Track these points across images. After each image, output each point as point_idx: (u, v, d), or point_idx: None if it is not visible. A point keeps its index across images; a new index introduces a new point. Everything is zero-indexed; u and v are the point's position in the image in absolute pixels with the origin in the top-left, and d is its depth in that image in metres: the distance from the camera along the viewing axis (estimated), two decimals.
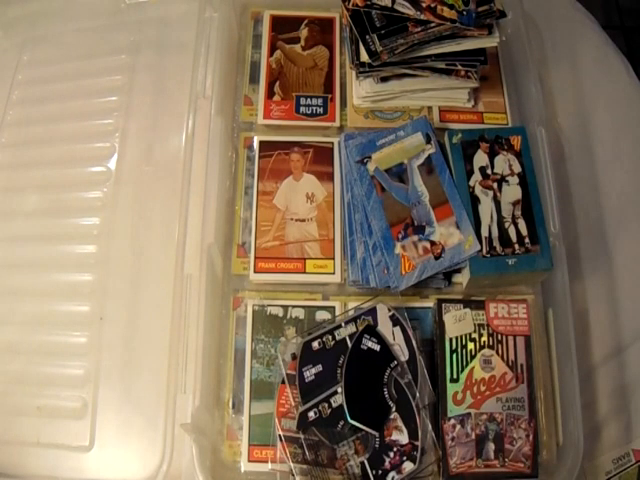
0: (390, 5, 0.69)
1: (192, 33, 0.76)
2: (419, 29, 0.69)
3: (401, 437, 0.60)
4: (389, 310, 0.65)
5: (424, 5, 0.69)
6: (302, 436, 0.59)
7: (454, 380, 0.63)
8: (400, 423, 0.60)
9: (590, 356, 0.71)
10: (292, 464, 0.59)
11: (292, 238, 0.71)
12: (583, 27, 0.90)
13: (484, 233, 0.68)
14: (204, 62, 0.74)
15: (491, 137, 0.72)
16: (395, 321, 0.64)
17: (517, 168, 0.71)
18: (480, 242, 0.67)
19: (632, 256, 0.76)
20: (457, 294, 0.70)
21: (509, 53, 0.82)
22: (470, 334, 0.65)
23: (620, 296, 0.74)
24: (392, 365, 0.62)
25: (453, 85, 0.76)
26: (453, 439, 0.61)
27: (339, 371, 0.62)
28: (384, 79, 0.76)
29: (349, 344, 0.63)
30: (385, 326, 0.64)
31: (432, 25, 0.69)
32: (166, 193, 0.77)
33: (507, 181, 0.70)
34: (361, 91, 0.77)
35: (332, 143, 0.75)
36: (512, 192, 0.70)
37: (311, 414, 0.60)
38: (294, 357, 0.62)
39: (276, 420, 0.61)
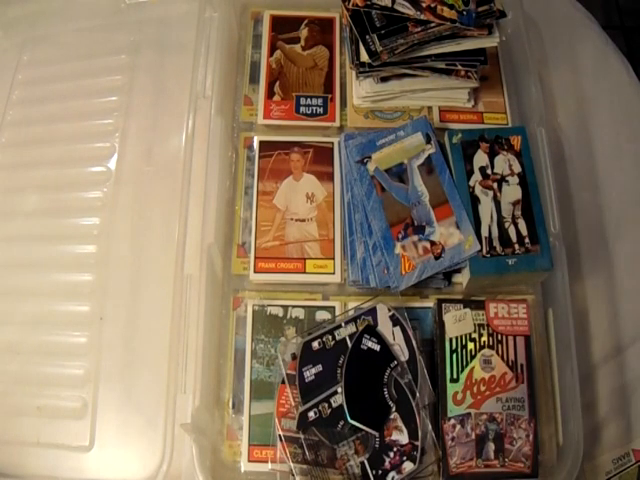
0: (390, 5, 0.69)
1: (192, 33, 0.76)
2: (419, 29, 0.69)
3: (401, 437, 0.60)
4: (389, 310, 0.65)
5: (424, 5, 0.69)
6: (302, 436, 0.59)
7: (454, 380, 0.63)
8: (400, 423, 0.60)
9: (590, 356, 0.71)
10: (292, 464, 0.59)
11: (292, 238, 0.71)
12: (583, 27, 0.90)
13: (484, 233, 0.68)
14: (204, 62, 0.74)
15: (491, 137, 0.72)
16: (395, 321, 0.64)
17: (517, 168, 0.71)
18: (480, 242, 0.67)
19: (632, 256, 0.76)
20: (457, 294, 0.70)
21: (509, 53, 0.82)
22: (470, 334, 0.65)
23: (620, 296, 0.74)
24: (392, 365, 0.62)
25: (453, 85, 0.76)
26: (453, 439, 0.61)
27: (339, 371, 0.62)
28: (384, 79, 0.76)
29: (349, 344, 0.63)
30: (385, 326, 0.64)
31: (432, 25, 0.69)
32: (166, 193, 0.77)
33: (507, 181, 0.70)
34: (361, 91, 0.77)
35: (332, 143, 0.75)
36: (512, 192, 0.70)
37: (311, 414, 0.60)
38: (294, 357, 0.62)
39: (276, 420, 0.61)
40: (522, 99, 0.79)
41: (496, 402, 0.62)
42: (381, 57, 0.69)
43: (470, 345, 0.64)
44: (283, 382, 0.62)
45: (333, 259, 0.70)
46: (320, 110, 0.77)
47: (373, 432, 0.60)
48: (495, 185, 0.70)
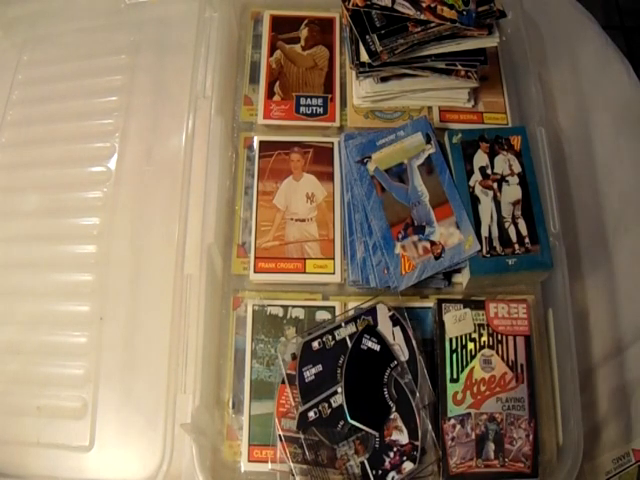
0: (390, 5, 0.69)
1: (192, 33, 0.76)
2: (419, 29, 0.69)
3: (401, 437, 0.60)
4: (389, 310, 0.65)
5: (424, 5, 0.69)
6: (302, 436, 0.59)
7: (454, 380, 0.63)
8: (400, 423, 0.60)
9: (590, 356, 0.71)
10: (292, 464, 0.59)
11: (292, 238, 0.71)
12: (583, 27, 0.90)
13: (484, 233, 0.68)
14: (204, 62, 0.74)
15: (491, 137, 0.72)
16: (395, 321, 0.64)
17: (517, 168, 0.71)
18: (480, 242, 0.67)
19: (632, 256, 0.76)
20: (457, 294, 0.70)
21: (509, 53, 0.82)
22: (470, 334, 0.65)
23: (620, 296, 0.74)
24: (392, 365, 0.62)
25: (453, 85, 0.76)
26: (453, 439, 0.61)
27: (339, 371, 0.62)
28: (384, 79, 0.76)
29: (349, 344, 0.63)
30: (385, 326, 0.64)
31: (432, 25, 0.69)
32: (166, 193, 0.77)
33: (507, 181, 0.70)
34: (361, 91, 0.77)
35: (332, 143, 0.75)
36: (512, 192, 0.70)
37: (311, 414, 0.60)
38: (294, 357, 0.62)
39: (276, 420, 0.61)
40: (522, 99, 0.79)
41: (496, 402, 0.62)
42: (381, 57, 0.69)
43: (470, 345, 0.64)
44: (283, 382, 0.62)
45: (333, 259, 0.70)
46: (320, 110, 0.77)
47: (373, 432, 0.60)
48: (495, 185, 0.70)
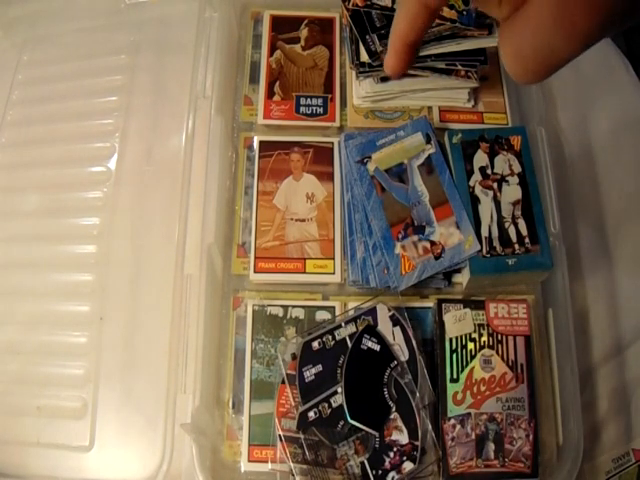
0: (390, 5, 0.69)
1: (192, 33, 0.76)
2: None
3: (401, 437, 0.60)
4: (389, 310, 0.65)
5: None
6: (302, 436, 0.59)
7: (454, 380, 0.63)
8: (400, 423, 0.60)
9: (590, 356, 0.71)
10: (292, 464, 0.59)
11: (292, 238, 0.71)
12: None
13: (484, 233, 0.68)
14: (204, 62, 0.74)
15: (491, 137, 0.72)
16: (395, 321, 0.64)
17: (517, 168, 0.71)
18: (480, 242, 0.67)
19: (632, 256, 0.76)
20: (457, 294, 0.70)
21: None
22: (470, 334, 0.65)
23: (620, 296, 0.74)
24: (392, 365, 0.62)
25: (453, 85, 0.76)
26: (453, 439, 0.61)
27: (339, 371, 0.62)
28: (384, 79, 0.76)
29: (349, 344, 0.63)
30: (385, 326, 0.64)
31: (432, 25, 0.69)
32: (166, 193, 0.77)
33: (507, 181, 0.70)
34: (361, 91, 0.77)
35: (332, 143, 0.75)
36: (512, 192, 0.70)
37: (311, 414, 0.60)
38: (294, 357, 0.62)
39: (276, 420, 0.61)
40: (522, 99, 0.79)
41: (496, 402, 0.62)
42: (381, 57, 0.69)
43: (470, 345, 0.64)
44: (283, 382, 0.62)
45: (333, 259, 0.70)
46: (320, 110, 0.77)
47: (373, 432, 0.60)
48: (495, 185, 0.70)
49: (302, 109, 0.77)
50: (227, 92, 0.78)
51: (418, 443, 0.60)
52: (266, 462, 0.62)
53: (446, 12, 0.68)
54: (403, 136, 0.72)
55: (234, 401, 0.66)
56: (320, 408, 0.60)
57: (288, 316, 0.68)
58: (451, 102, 0.78)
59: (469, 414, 0.62)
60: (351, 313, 0.66)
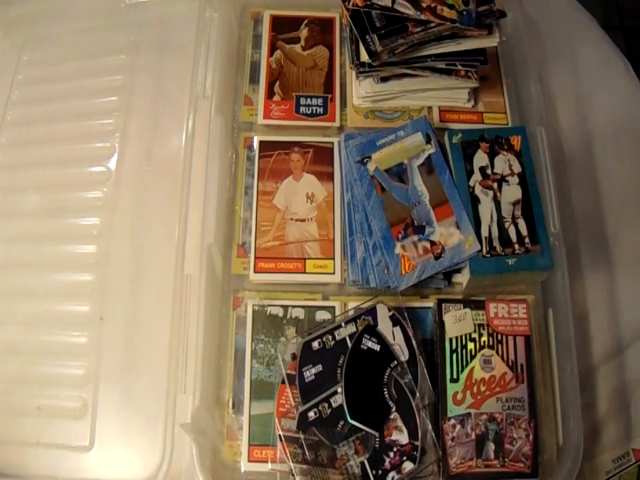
0: (390, 5, 0.69)
1: (192, 33, 0.76)
2: (419, 29, 0.69)
3: (401, 437, 0.60)
4: (389, 310, 0.65)
5: (424, 5, 0.69)
6: (302, 436, 0.59)
7: (454, 380, 0.63)
8: (400, 423, 0.60)
9: (590, 356, 0.71)
10: (292, 464, 0.59)
11: (292, 238, 0.71)
12: (583, 27, 0.90)
13: (484, 233, 0.68)
14: (204, 62, 0.74)
15: (491, 137, 0.72)
16: (395, 321, 0.64)
17: (517, 168, 0.71)
18: (480, 242, 0.67)
19: (632, 256, 0.76)
20: (457, 294, 0.70)
21: (509, 53, 0.82)
22: (470, 334, 0.65)
23: (620, 296, 0.74)
24: (392, 365, 0.62)
25: (453, 85, 0.76)
26: (453, 439, 0.61)
27: (339, 371, 0.62)
28: (384, 79, 0.76)
29: (349, 344, 0.63)
30: (385, 326, 0.64)
31: (432, 25, 0.69)
32: (166, 193, 0.77)
33: (507, 181, 0.70)
34: (361, 91, 0.77)
35: (332, 143, 0.75)
36: (512, 192, 0.70)
37: (311, 414, 0.60)
38: (294, 357, 0.62)
39: (276, 420, 0.61)
40: (522, 99, 0.79)
41: (496, 402, 0.62)
42: (381, 57, 0.69)
43: (470, 345, 0.64)
44: (283, 382, 0.62)
45: (333, 259, 0.70)
46: (320, 110, 0.77)
47: (373, 432, 0.60)
48: (495, 185, 0.70)
49: (302, 109, 0.77)
50: (227, 92, 0.78)
51: (418, 443, 0.60)
52: (266, 462, 0.62)
53: (446, 12, 0.68)
54: (403, 136, 0.72)
55: (234, 401, 0.66)
56: (320, 408, 0.60)
57: (288, 316, 0.68)
58: (451, 102, 0.78)
59: (469, 414, 0.62)
60: (351, 313, 0.66)
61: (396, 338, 0.64)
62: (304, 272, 0.69)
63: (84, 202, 0.79)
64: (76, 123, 0.83)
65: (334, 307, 0.69)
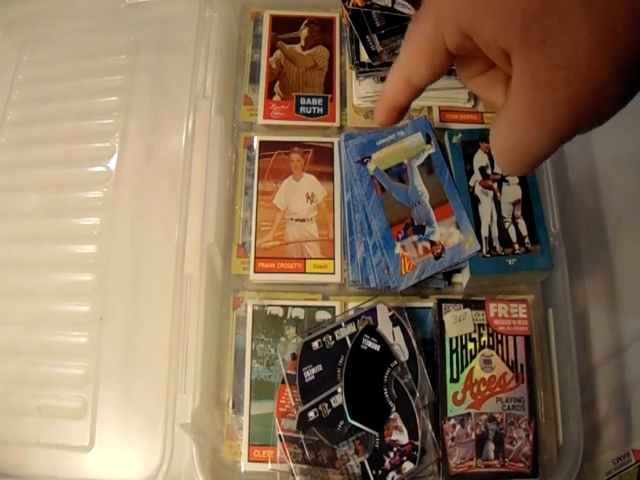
0: (390, 5, 0.69)
1: (192, 33, 0.76)
2: None
3: (401, 437, 0.60)
4: (389, 310, 0.65)
5: None
6: (302, 436, 0.59)
7: (454, 380, 0.63)
8: (400, 423, 0.60)
9: (590, 356, 0.71)
10: (292, 464, 0.59)
11: (292, 238, 0.71)
12: None
13: (484, 233, 0.68)
14: (204, 62, 0.74)
15: None
16: (395, 321, 0.64)
17: None
18: (480, 242, 0.67)
19: (632, 256, 0.76)
20: (457, 294, 0.70)
21: None
22: (470, 334, 0.65)
23: (620, 296, 0.74)
24: (392, 365, 0.62)
25: (453, 85, 0.76)
26: (453, 439, 0.61)
27: (339, 371, 0.62)
28: (384, 79, 0.76)
29: (349, 344, 0.63)
30: (385, 326, 0.64)
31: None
32: (166, 193, 0.77)
33: (507, 181, 0.70)
34: (361, 91, 0.77)
35: (332, 143, 0.75)
36: (512, 192, 0.70)
37: (311, 414, 0.60)
38: (294, 357, 0.62)
39: (276, 420, 0.61)
40: None
41: (496, 402, 0.62)
42: (381, 57, 0.69)
43: (470, 345, 0.64)
44: (283, 382, 0.62)
45: (333, 259, 0.70)
46: (320, 110, 0.77)
47: (373, 432, 0.60)
48: (495, 185, 0.70)
49: (302, 109, 0.77)
50: (227, 92, 0.78)
51: (418, 443, 0.60)
52: (266, 462, 0.62)
53: None
54: (403, 136, 0.72)
55: (234, 401, 0.66)
56: (320, 408, 0.60)
57: (288, 316, 0.68)
58: (451, 102, 0.78)
59: (469, 414, 0.62)
60: (351, 313, 0.66)
61: (396, 338, 0.64)
62: (304, 272, 0.69)
63: (84, 202, 0.79)
64: (76, 123, 0.83)
65: (334, 307, 0.69)
